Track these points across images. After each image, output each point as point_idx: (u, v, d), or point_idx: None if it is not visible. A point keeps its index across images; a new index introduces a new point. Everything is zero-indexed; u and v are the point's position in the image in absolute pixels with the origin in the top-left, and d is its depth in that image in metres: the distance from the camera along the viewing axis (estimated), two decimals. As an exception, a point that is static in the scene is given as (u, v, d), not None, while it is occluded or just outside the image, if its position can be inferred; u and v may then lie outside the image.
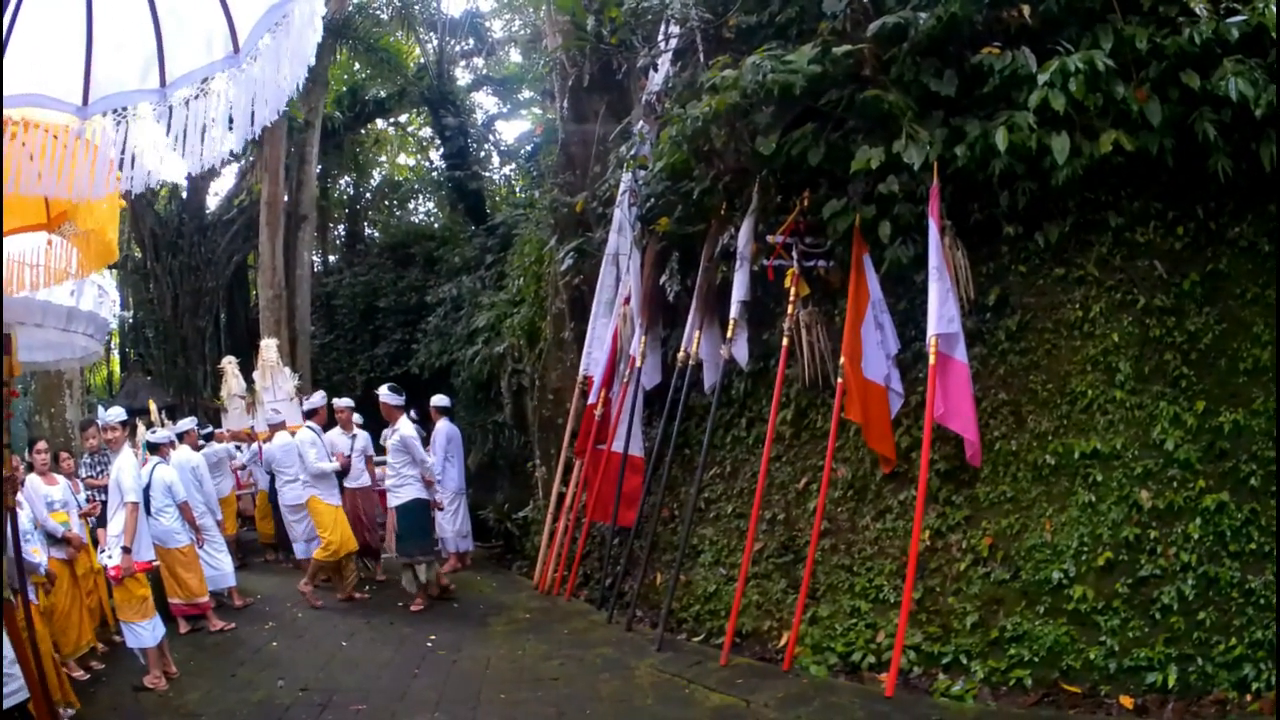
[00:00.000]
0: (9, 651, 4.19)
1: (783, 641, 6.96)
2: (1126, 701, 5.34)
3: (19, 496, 7.30)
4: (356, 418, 12.27)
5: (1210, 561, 5.45)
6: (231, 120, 3.32)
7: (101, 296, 7.03)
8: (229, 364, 16.43)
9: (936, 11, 6.20)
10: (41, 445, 8.81)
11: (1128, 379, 5.92)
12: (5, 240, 4.78)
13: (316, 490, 10.60)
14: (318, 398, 11.89)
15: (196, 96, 3.35)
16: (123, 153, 3.71)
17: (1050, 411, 6.19)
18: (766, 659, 7.07)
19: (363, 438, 11.79)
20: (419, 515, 10.10)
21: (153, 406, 16.23)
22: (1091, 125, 5.85)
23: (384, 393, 10.62)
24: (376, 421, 12.12)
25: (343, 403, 12.21)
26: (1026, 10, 6.14)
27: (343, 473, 11.23)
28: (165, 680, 7.82)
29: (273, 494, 12.74)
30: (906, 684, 6.05)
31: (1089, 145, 5.80)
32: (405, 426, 10.21)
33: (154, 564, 8.29)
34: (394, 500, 10.23)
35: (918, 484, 6.23)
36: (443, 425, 12.11)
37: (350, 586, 10.77)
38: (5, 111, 3.39)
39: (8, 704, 3.94)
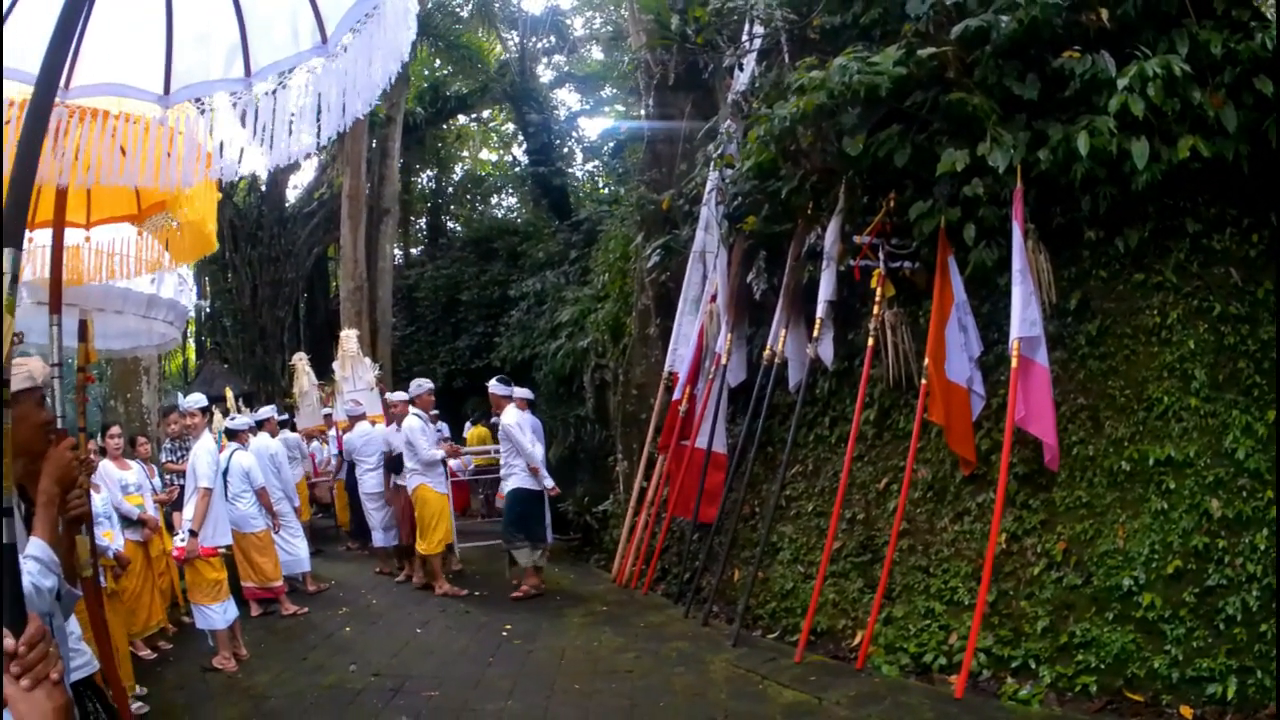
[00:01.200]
0: (76, 628, 4.53)
1: (856, 640, 7.17)
2: (1186, 712, 5.42)
3: (94, 479, 7.65)
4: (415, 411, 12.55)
5: (1275, 573, 5.51)
6: (319, 112, 3.29)
7: (181, 285, 7.21)
8: (300, 361, 17.09)
9: (1018, 15, 6.36)
10: (115, 430, 9.17)
11: (1202, 386, 6.01)
12: (94, 230, 5.12)
13: (426, 479, 10.95)
14: (418, 384, 11.97)
15: (282, 87, 3.35)
16: (211, 144, 3.73)
17: (1127, 417, 6.30)
18: (840, 657, 7.27)
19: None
20: (523, 504, 10.50)
21: (229, 394, 16.92)
22: (1170, 130, 5.96)
23: (493, 384, 11.18)
24: (454, 415, 12.44)
25: (395, 396, 12.29)
26: (1105, 14, 6.27)
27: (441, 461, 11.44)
28: (235, 662, 8.16)
29: (350, 483, 13.27)
30: (975, 686, 6.20)
31: (1167, 150, 5.92)
32: (508, 415, 10.62)
33: (221, 549, 8.60)
34: (503, 488, 10.75)
35: (997, 487, 6.38)
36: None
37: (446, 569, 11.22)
38: (90, 101, 3.47)
39: (75, 677, 4.28)
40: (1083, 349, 6.68)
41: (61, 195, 3.83)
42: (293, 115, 3.32)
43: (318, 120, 3.29)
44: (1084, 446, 6.44)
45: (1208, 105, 5.84)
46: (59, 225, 3.92)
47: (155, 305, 7.01)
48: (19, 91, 3.16)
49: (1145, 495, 6.01)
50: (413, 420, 11.13)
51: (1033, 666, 6.08)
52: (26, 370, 3.11)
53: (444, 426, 11.96)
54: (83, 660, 4.78)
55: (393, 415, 11.88)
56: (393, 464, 11.67)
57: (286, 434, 13.96)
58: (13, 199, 2.08)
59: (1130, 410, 6.31)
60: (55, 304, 3.83)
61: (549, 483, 10.76)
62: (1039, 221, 6.71)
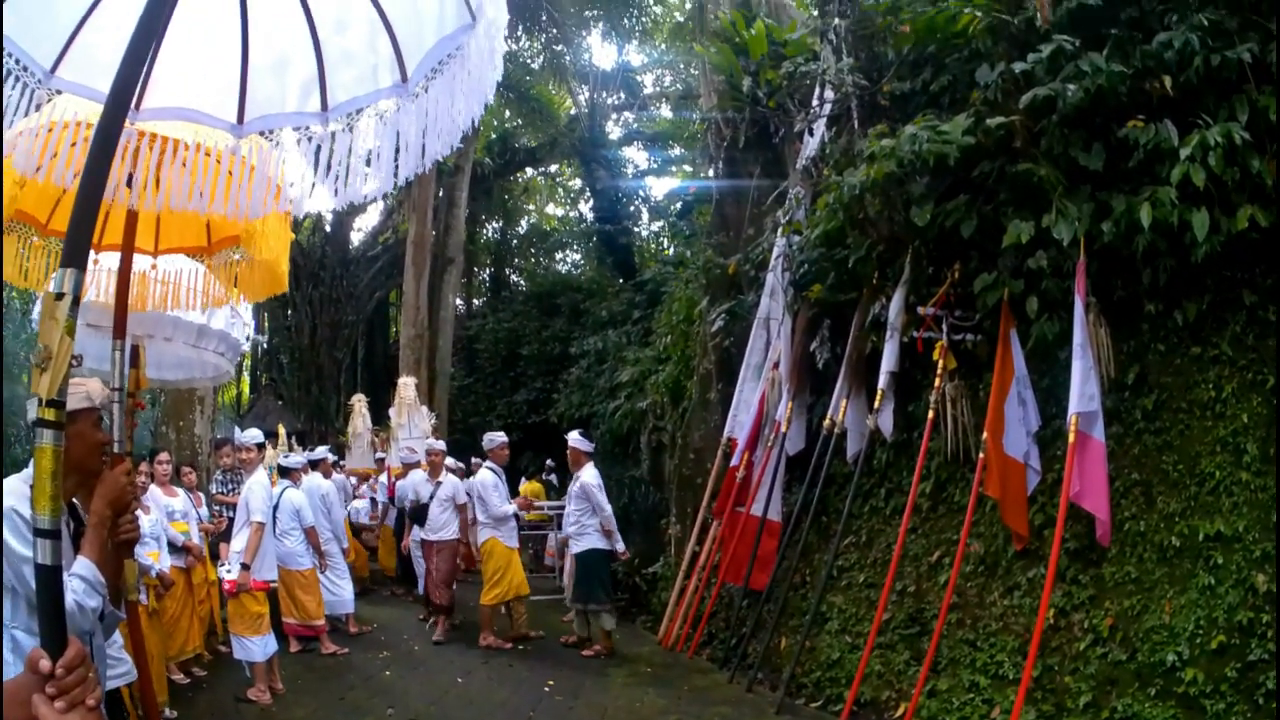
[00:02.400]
0: (119, 637, 4.70)
1: (900, 712, 7.29)
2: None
3: (143, 500, 8.05)
4: (450, 461, 12.70)
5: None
6: (397, 152, 3.26)
7: (234, 318, 7.29)
8: (358, 402, 17.44)
9: (1084, 83, 6.55)
10: (164, 456, 9.52)
11: (1254, 460, 6.05)
12: (160, 260, 5.13)
13: (497, 533, 11.20)
14: (495, 437, 12.17)
15: (355, 125, 3.33)
16: (281, 177, 3.71)
17: (1179, 493, 6.37)
18: None
19: (449, 485, 11.87)
20: (596, 565, 10.73)
21: (282, 431, 17.40)
22: (1229, 199, 6.12)
23: (575, 438, 11.26)
24: (508, 469, 12.58)
25: (436, 445, 12.59)
26: (1168, 81, 6.47)
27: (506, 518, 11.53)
28: (270, 695, 8.42)
29: (398, 528, 13.60)
30: None
31: (1226, 221, 6.08)
32: (587, 474, 10.84)
33: (271, 584, 8.92)
34: (574, 548, 10.91)
35: (1048, 562, 6.49)
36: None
37: (522, 626, 11.42)
38: (162, 127, 3.48)
39: (114, 684, 4.44)
40: (1139, 424, 6.80)
41: (131, 220, 3.84)
42: (366, 155, 3.31)
43: (395, 160, 3.27)
44: (1135, 522, 6.54)
45: (1266, 173, 6.03)
46: (128, 250, 3.93)
47: (205, 335, 7.11)
48: (89, 110, 3.29)
49: (1193, 570, 6.07)
50: (485, 474, 11.39)
51: None
52: (85, 391, 3.28)
53: (455, 482, 12.02)
54: (123, 669, 5.06)
55: (429, 464, 12.15)
56: (416, 514, 11.75)
57: (335, 475, 14.26)
58: (76, 219, 2.10)
59: (1183, 485, 6.39)
60: (120, 329, 3.84)
61: (620, 546, 11.02)
62: (1100, 294, 6.86)
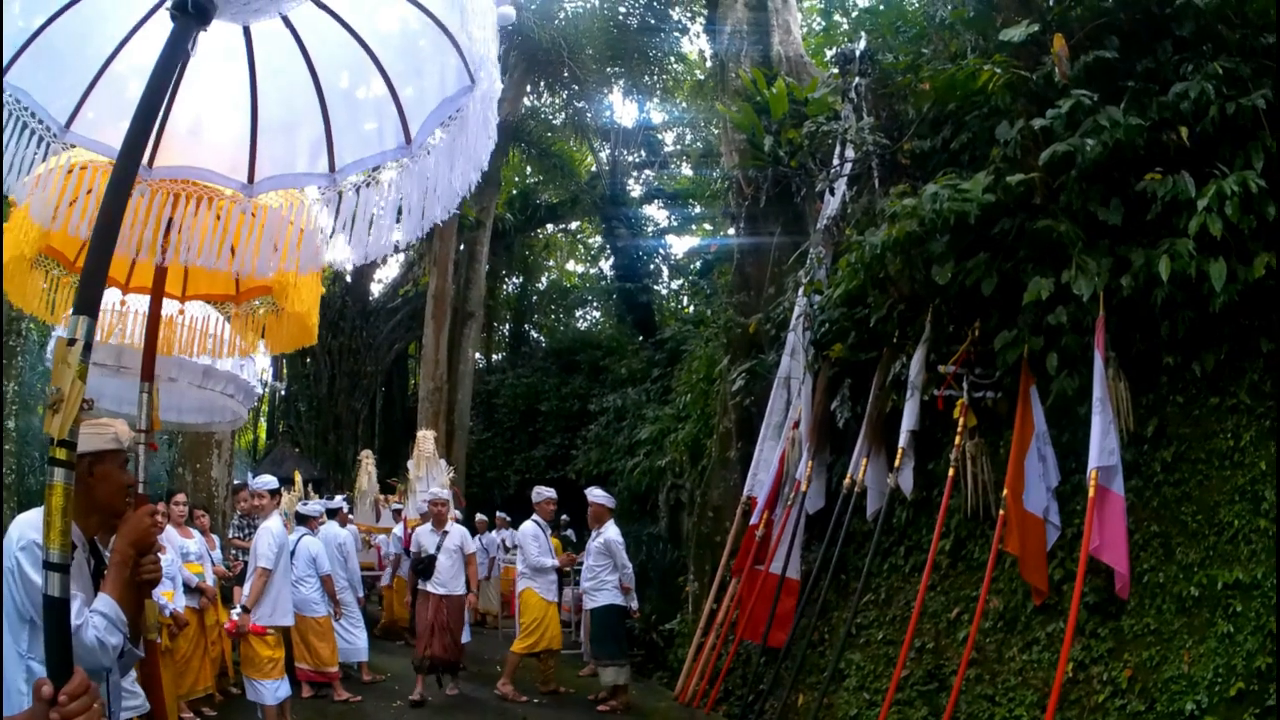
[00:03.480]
0: (131, 671, 4.77)
1: (917, 768, 7.32)
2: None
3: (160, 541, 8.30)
4: (455, 512, 12.78)
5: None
6: (400, 213, 3.35)
7: (243, 362, 7.25)
8: (366, 458, 17.78)
9: (1102, 138, 6.66)
10: (180, 497, 9.73)
11: (1272, 507, 6.07)
12: (188, 305, 5.23)
13: (534, 584, 11.37)
14: (544, 492, 12.27)
15: (366, 185, 3.40)
16: (315, 230, 3.81)
17: (1198, 543, 6.42)
18: None
19: (456, 535, 11.57)
20: (614, 620, 10.90)
21: (298, 478, 17.57)
22: (1245, 248, 6.23)
23: (598, 493, 11.46)
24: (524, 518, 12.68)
25: (441, 494, 12.20)
26: (1184, 132, 6.60)
27: (559, 570, 11.80)
28: None
29: (414, 580, 13.66)
30: None
31: (1243, 270, 6.18)
32: (611, 530, 11.05)
33: (269, 630, 8.84)
34: (589, 603, 11.03)
35: (1067, 617, 6.53)
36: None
37: (553, 680, 11.54)
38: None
39: (125, 716, 4.49)
40: (1158, 476, 6.87)
41: (160, 267, 3.87)
42: (377, 212, 3.40)
43: (397, 221, 3.39)
44: (1155, 573, 6.58)
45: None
46: (156, 295, 4.00)
47: (212, 376, 7.19)
48: (101, 162, 3.46)
49: (1212, 619, 6.09)
50: (528, 525, 11.66)
51: None
52: (112, 432, 3.40)
53: (462, 532, 11.81)
54: (135, 702, 5.14)
55: (432, 514, 11.77)
56: (422, 567, 11.47)
57: (349, 526, 14.45)
58: (88, 273, 2.23)
59: (1201, 535, 6.44)
60: (147, 372, 3.90)
61: (634, 603, 11.24)
62: (1119, 348, 6.97)
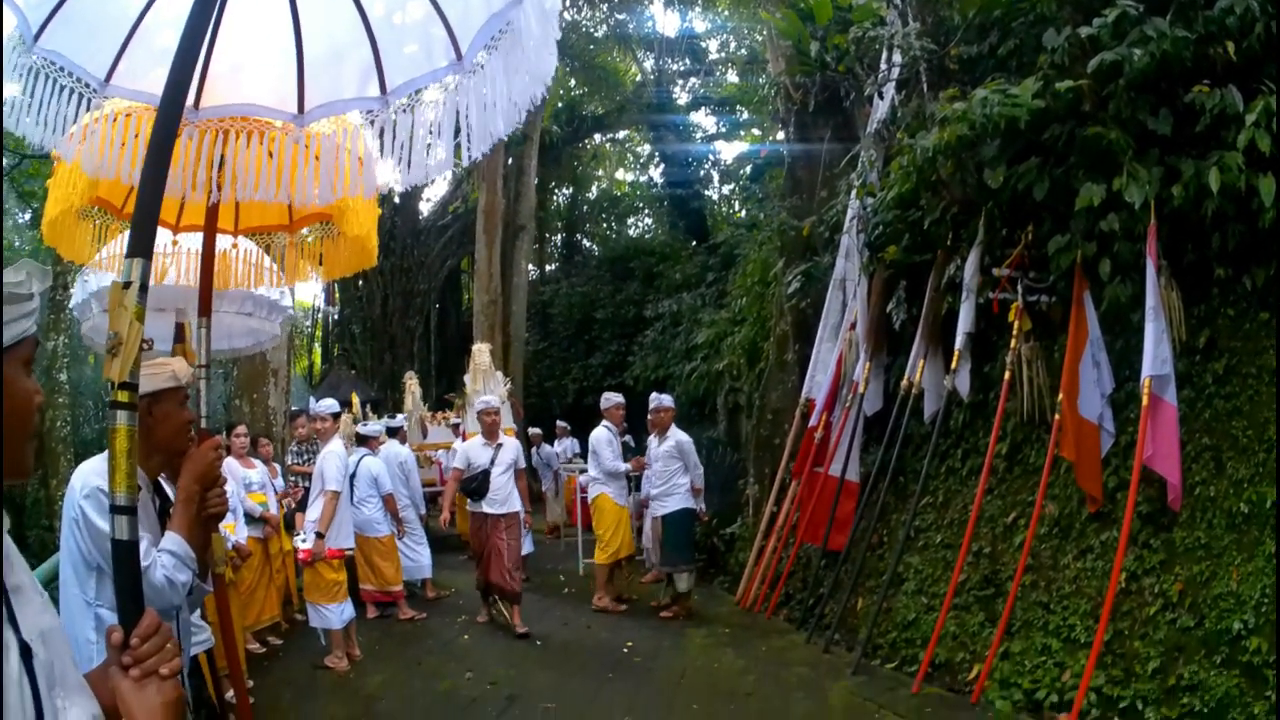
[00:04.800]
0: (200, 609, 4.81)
1: (973, 674, 7.46)
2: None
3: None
4: (525, 429, 12.88)
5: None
6: (457, 130, 3.25)
7: (284, 289, 7.05)
8: (410, 380, 17.87)
9: (1150, 48, 6.60)
10: (241, 429, 9.79)
11: None
12: (241, 239, 5.18)
13: (607, 488, 11.43)
14: (613, 398, 12.19)
15: (418, 104, 3.34)
16: (368, 155, 3.77)
17: (1248, 459, 6.41)
18: (956, 690, 7.54)
19: (510, 449, 10.77)
20: (686, 525, 10.97)
21: (355, 401, 17.75)
22: None
23: (666, 399, 11.44)
24: (583, 432, 12.73)
25: (491, 403, 11.33)
26: (1231, 47, 6.54)
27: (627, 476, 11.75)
28: (347, 662, 8.68)
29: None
30: None
31: None
32: (681, 433, 11.13)
33: (346, 552, 9.11)
34: (660, 510, 11.07)
35: (1121, 525, 6.61)
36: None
37: (616, 591, 11.63)
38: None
39: (194, 651, 4.54)
40: (1209, 388, 6.87)
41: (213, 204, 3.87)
42: (432, 131, 3.33)
43: (455, 137, 3.27)
44: (1206, 487, 6.59)
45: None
46: (210, 232, 3.99)
47: (252, 302, 6.98)
48: (148, 108, 3.38)
49: (1260, 538, 6.11)
50: (600, 431, 11.60)
51: (1140, 708, 6.22)
52: (170, 370, 3.41)
53: (516, 446, 11.03)
54: (202, 636, 5.24)
55: (484, 425, 10.91)
56: (473, 485, 10.64)
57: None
58: (139, 217, 2.20)
59: (1251, 451, 6.43)
60: (205, 307, 3.95)
61: (703, 506, 11.35)
62: (1171, 258, 6.95)
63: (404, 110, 3.37)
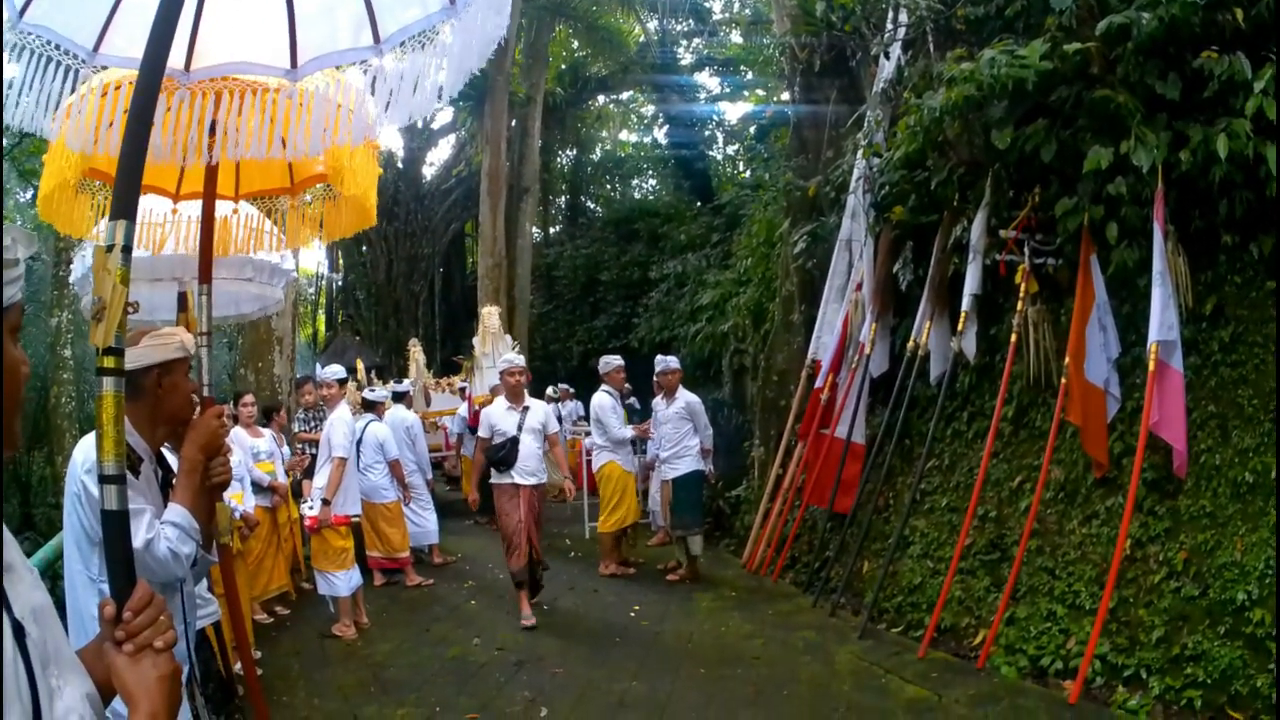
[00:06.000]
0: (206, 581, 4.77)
1: (979, 639, 7.50)
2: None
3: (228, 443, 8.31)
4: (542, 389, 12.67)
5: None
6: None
7: (284, 253, 6.94)
8: (414, 348, 17.83)
9: (1158, 12, 6.55)
10: (248, 398, 9.71)
11: None
12: (242, 204, 5.15)
13: (615, 456, 11.40)
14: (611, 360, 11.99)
15: (414, 48, 3.32)
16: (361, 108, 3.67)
17: (1254, 428, 6.41)
18: (961, 655, 7.57)
19: (539, 411, 9.62)
20: (697, 488, 10.99)
21: (361, 367, 17.75)
22: None
23: (673, 361, 11.30)
24: (589, 394, 12.57)
25: (516, 361, 9.83)
26: (1239, 14, 6.46)
27: (635, 442, 11.74)
28: (355, 630, 8.72)
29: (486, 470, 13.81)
30: (1088, 693, 6.38)
31: None
32: (686, 393, 11.07)
33: (353, 518, 9.13)
34: (671, 472, 10.97)
35: (1126, 491, 6.61)
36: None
37: (630, 551, 11.72)
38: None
39: (201, 624, 4.52)
40: (1215, 355, 6.85)
41: (211, 168, 3.87)
42: (421, 74, 3.30)
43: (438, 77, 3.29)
44: (1211, 455, 6.59)
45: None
46: (209, 197, 3.98)
47: (251, 267, 6.95)
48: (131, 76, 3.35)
49: (1265, 508, 6.11)
50: (602, 397, 11.54)
51: (1144, 677, 6.24)
52: (178, 340, 3.33)
53: (546, 408, 9.94)
54: (209, 609, 5.23)
55: (508, 387, 9.62)
56: (501, 454, 9.34)
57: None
58: (122, 175, 2.17)
59: (1257, 420, 6.43)
60: (205, 275, 3.94)
61: (712, 468, 11.35)
62: (1178, 224, 6.90)
63: (397, 59, 3.38)
